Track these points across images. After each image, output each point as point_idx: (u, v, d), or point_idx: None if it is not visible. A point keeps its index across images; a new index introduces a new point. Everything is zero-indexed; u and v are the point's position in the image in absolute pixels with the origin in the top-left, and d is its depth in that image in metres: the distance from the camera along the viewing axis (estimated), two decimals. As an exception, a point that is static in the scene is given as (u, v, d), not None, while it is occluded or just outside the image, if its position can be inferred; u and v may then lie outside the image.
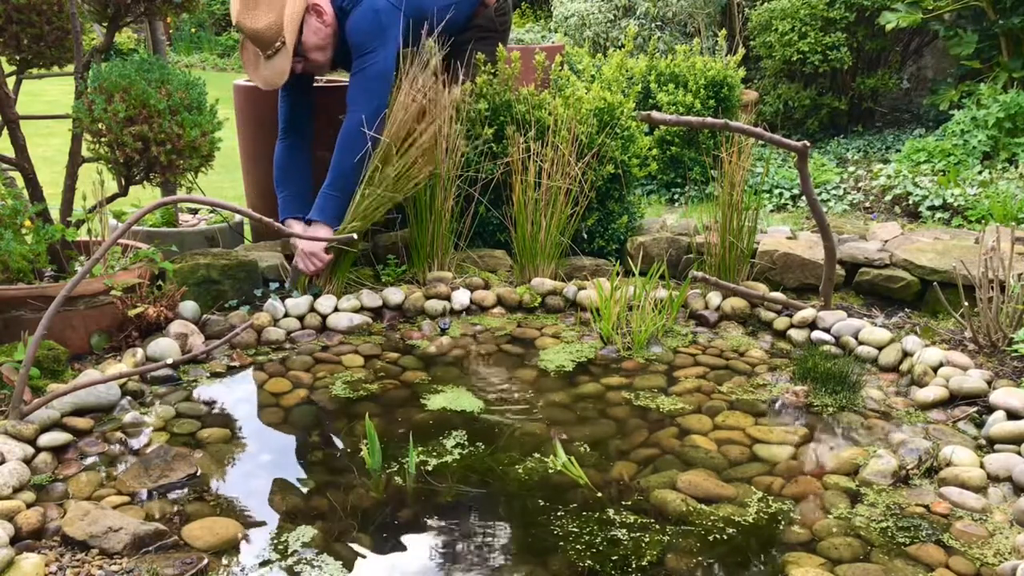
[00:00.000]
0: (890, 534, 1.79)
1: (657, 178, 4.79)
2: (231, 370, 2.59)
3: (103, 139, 2.62)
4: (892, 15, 5.07)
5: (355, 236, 3.03)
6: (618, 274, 3.05)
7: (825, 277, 2.88)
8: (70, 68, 2.82)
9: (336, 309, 2.92)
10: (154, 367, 2.31)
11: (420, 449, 2.11)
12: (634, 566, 1.68)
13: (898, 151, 4.97)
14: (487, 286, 3.18)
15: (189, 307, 2.73)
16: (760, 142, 3.27)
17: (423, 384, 2.51)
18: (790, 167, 4.88)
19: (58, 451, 2.05)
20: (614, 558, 1.70)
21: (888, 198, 4.28)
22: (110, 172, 2.74)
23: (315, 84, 3.79)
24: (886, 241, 3.30)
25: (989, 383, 2.33)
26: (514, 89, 3.39)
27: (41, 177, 2.81)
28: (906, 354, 2.58)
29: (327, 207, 2.97)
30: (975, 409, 2.26)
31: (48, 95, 6.10)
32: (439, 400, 2.40)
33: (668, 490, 1.94)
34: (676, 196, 4.76)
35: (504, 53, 3.41)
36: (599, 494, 1.94)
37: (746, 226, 3.10)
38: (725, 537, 1.78)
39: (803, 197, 4.15)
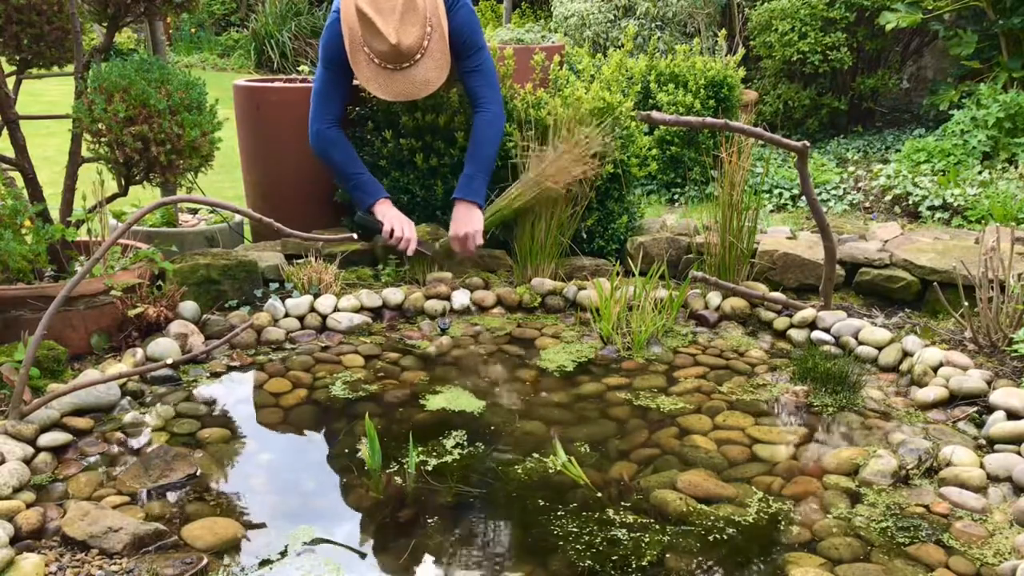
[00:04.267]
0: (890, 534, 1.79)
1: (657, 178, 4.79)
2: (231, 370, 2.59)
3: (103, 139, 2.62)
4: (892, 15, 5.07)
5: (355, 236, 3.03)
6: (618, 274, 3.05)
7: (825, 277, 2.88)
8: (70, 68, 2.82)
9: (336, 309, 2.92)
10: (154, 367, 2.31)
11: (420, 449, 2.11)
12: (634, 566, 1.68)
13: (898, 151, 4.97)
14: (487, 286, 3.18)
15: (189, 307, 2.73)
16: (760, 142, 3.27)
17: (423, 384, 2.51)
18: (790, 167, 4.88)
19: (58, 451, 2.05)
20: (614, 558, 1.70)
21: (888, 198, 4.28)
22: (110, 172, 2.74)
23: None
24: (886, 241, 3.30)
25: (989, 383, 2.33)
26: (512, 89, 3.39)
27: (41, 177, 2.81)
28: (906, 354, 2.58)
29: (481, 190, 3.11)
30: (975, 409, 2.26)
31: (48, 95, 6.10)
32: (439, 400, 2.40)
33: (668, 490, 1.94)
34: (676, 196, 4.76)
35: (497, 51, 3.41)
36: (599, 494, 1.94)
37: (746, 226, 3.10)
38: (725, 537, 1.78)
39: (803, 197, 4.15)
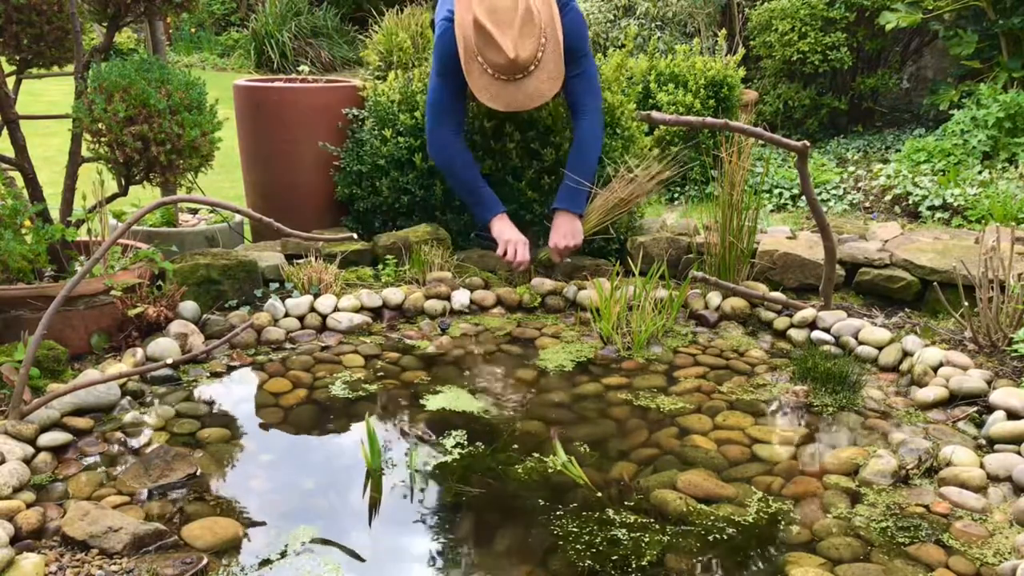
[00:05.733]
0: (890, 534, 1.79)
1: (657, 178, 4.78)
2: (231, 370, 2.59)
3: (103, 139, 2.62)
4: (892, 15, 5.07)
5: (355, 236, 3.03)
6: (618, 274, 3.05)
7: (825, 277, 2.88)
8: (70, 68, 2.81)
9: (336, 309, 2.92)
10: (154, 367, 2.31)
11: (420, 449, 2.11)
12: (634, 566, 1.68)
13: (898, 151, 4.97)
14: (487, 286, 3.18)
15: (189, 307, 2.73)
16: (760, 142, 3.27)
17: (423, 384, 2.51)
18: (790, 167, 4.88)
19: (58, 451, 2.05)
20: (614, 558, 1.70)
21: (888, 198, 4.28)
22: (110, 172, 2.73)
23: (313, 85, 3.79)
24: (886, 241, 3.30)
25: (989, 383, 2.33)
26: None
27: (41, 177, 2.81)
28: (906, 354, 2.58)
29: (583, 202, 3.15)
30: (975, 409, 2.26)
31: (48, 95, 6.10)
32: (439, 400, 2.40)
33: (668, 490, 1.94)
34: (676, 196, 4.77)
35: None
36: (599, 494, 1.94)
37: (746, 226, 3.10)
38: (725, 537, 1.78)
39: (803, 197, 4.15)
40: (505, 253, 3.10)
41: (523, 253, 3.10)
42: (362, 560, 1.72)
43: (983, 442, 2.14)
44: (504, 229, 3.13)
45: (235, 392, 2.46)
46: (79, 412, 2.19)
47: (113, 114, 2.55)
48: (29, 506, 1.80)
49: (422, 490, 1.96)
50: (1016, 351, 2.50)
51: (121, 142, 2.59)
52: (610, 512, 1.86)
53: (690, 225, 3.48)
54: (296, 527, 1.80)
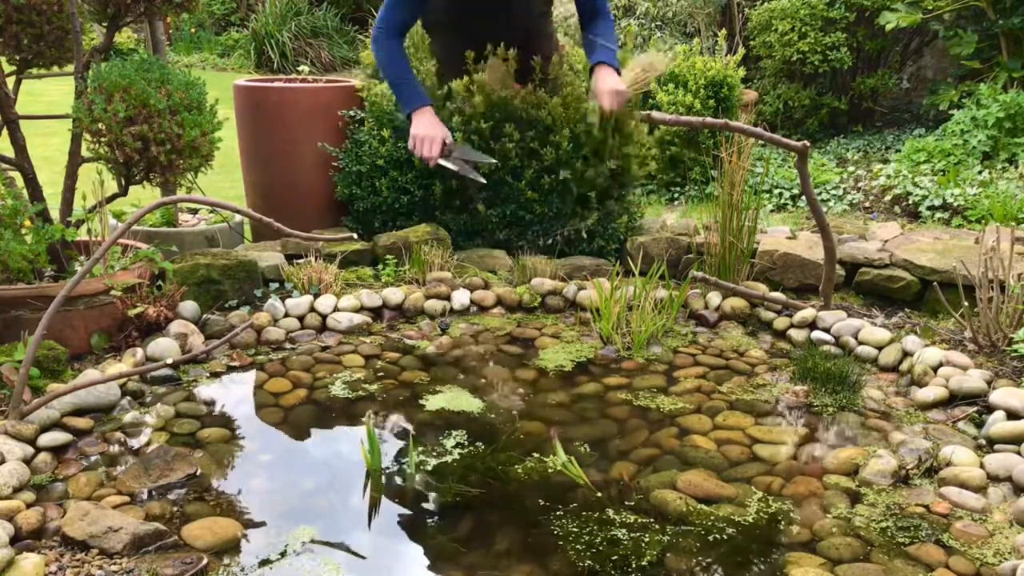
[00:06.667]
0: (890, 534, 1.79)
1: (657, 178, 4.79)
2: (231, 370, 2.59)
3: (103, 139, 2.62)
4: (892, 15, 5.07)
5: (354, 236, 3.03)
6: (618, 274, 3.05)
7: (825, 277, 2.88)
8: (70, 68, 2.81)
9: (336, 309, 2.92)
10: (154, 367, 2.31)
11: (420, 449, 2.11)
12: (634, 566, 1.68)
13: (898, 151, 4.97)
14: (487, 286, 3.18)
15: (189, 307, 2.73)
16: (760, 142, 3.27)
17: (423, 384, 2.51)
18: (790, 167, 4.88)
19: (58, 451, 2.05)
20: (614, 558, 1.70)
21: (888, 198, 4.28)
22: (110, 172, 2.74)
23: (313, 85, 3.80)
24: (886, 241, 3.30)
25: (989, 383, 2.33)
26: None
27: (41, 177, 2.81)
28: (906, 354, 2.58)
29: (616, 59, 3.11)
30: (975, 409, 2.26)
31: (48, 95, 6.09)
32: (439, 400, 2.40)
33: (668, 490, 1.94)
34: (676, 196, 4.77)
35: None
36: (599, 494, 1.94)
37: (746, 226, 3.10)
38: (725, 537, 1.78)
39: (803, 197, 4.15)
40: (415, 147, 2.98)
41: (432, 150, 2.96)
42: (362, 560, 1.72)
43: (983, 442, 2.14)
44: (421, 123, 2.98)
45: (235, 392, 2.46)
46: (79, 412, 2.19)
47: (113, 114, 2.55)
48: (29, 506, 1.80)
49: (422, 490, 1.96)
50: (1016, 351, 2.50)
51: (121, 142, 2.59)
52: (610, 512, 1.86)
53: (690, 225, 3.48)
54: (296, 527, 1.81)
